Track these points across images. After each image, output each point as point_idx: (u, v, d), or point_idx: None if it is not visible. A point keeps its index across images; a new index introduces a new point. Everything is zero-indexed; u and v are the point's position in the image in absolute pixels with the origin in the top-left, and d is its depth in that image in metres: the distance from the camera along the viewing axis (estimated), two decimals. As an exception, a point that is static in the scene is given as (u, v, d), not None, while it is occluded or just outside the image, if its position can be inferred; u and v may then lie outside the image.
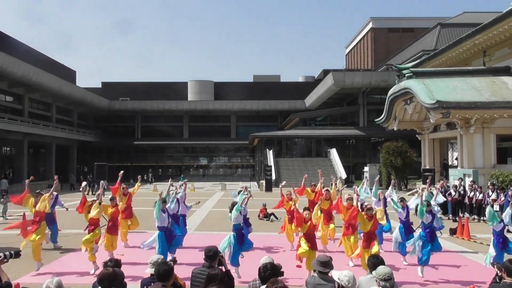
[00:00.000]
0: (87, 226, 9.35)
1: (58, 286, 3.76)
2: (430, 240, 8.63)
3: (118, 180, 12.24)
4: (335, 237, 11.48)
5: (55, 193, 11.59)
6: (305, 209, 8.60)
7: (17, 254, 4.24)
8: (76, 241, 11.95)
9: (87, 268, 8.87)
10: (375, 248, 8.26)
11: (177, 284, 4.48)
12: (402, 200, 10.06)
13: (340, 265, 9.06)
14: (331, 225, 11.23)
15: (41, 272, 8.84)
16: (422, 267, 8.55)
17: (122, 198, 12.09)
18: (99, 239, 9.41)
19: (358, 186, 12.53)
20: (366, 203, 10.37)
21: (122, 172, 12.69)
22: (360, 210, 9.09)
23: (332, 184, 13.07)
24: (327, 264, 4.47)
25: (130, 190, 12.61)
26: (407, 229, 9.69)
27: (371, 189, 12.93)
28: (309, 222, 8.32)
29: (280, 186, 12.42)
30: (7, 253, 4.10)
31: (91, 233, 9.04)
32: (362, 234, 8.88)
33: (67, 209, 13.26)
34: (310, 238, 8.34)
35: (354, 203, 9.40)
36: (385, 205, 11.16)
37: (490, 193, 16.07)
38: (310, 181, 13.68)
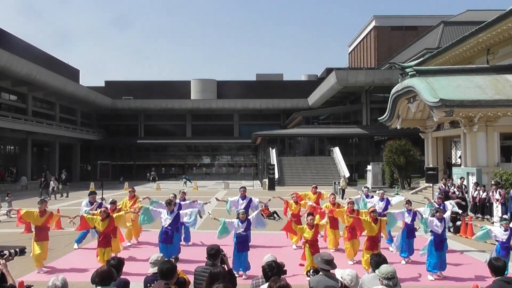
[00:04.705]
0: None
1: (64, 283, 3.79)
2: (440, 248, 8.53)
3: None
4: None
5: (99, 200, 11.86)
6: (308, 214, 8.54)
7: (22, 251, 4.27)
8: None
9: (91, 266, 8.86)
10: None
11: (181, 280, 4.50)
12: (408, 202, 9.97)
13: (340, 264, 9.09)
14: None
15: (46, 270, 8.89)
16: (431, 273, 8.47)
17: (127, 203, 12.08)
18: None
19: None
20: (369, 206, 10.29)
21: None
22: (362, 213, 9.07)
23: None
24: (330, 263, 4.50)
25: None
26: (409, 232, 9.66)
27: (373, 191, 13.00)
28: (313, 228, 8.19)
29: (277, 197, 12.25)
30: (12, 250, 4.13)
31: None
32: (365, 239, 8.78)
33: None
34: (314, 244, 8.24)
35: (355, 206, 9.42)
36: (385, 209, 11.14)
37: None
38: (311, 181, 13.60)
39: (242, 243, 8.39)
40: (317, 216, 10.49)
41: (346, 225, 9.71)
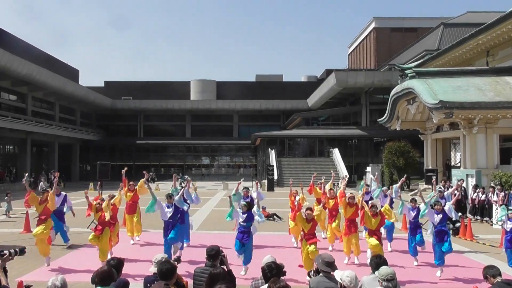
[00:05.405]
0: (96, 226, 9.39)
1: (63, 283, 3.79)
2: (440, 241, 8.65)
3: (123, 177, 12.42)
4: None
5: (63, 193, 12.12)
6: (307, 209, 8.59)
7: (21, 251, 4.25)
8: (79, 239, 12.01)
9: (91, 266, 8.86)
10: (373, 241, 8.51)
11: (180, 284, 4.50)
12: (413, 200, 10.02)
13: (339, 265, 9.12)
14: (334, 224, 11.12)
15: (45, 270, 8.89)
16: (439, 268, 8.60)
17: (127, 194, 12.35)
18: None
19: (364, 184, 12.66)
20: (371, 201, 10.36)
21: (125, 168, 12.89)
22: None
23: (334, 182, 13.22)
24: (331, 265, 4.50)
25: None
26: (414, 229, 9.71)
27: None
28: (311, 222, 8.27)
29: (290, 186, 12.45)
30: (12, 250, 4.12)
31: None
32: (367, 232, 9.04)
33: (74, 214, 12.35)
34: (311, 237, 8.29)
35: (359, 198, 9.53)
36: (391, 202, 11.20)
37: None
38: (315, 181, 13.59)
39: (242, 233, 8.65)
40: (316, 207, 10.73)
41: (346, 217, 9.76)
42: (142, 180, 12.32)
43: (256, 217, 8.85)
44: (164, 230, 9.42)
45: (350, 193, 10.04)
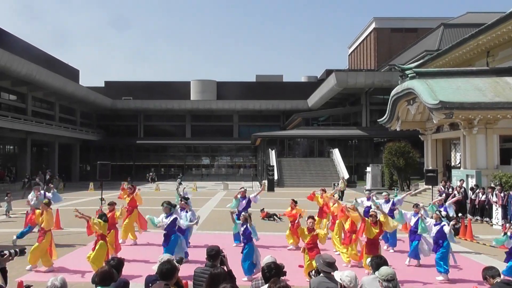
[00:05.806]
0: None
1: (63, 283, 3.79)
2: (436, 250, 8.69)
3: (121, 188, 12.61)
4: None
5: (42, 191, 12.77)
6: (309, 217, 8.46)
7: (21, 251, 4.27)
8: (79, 239, 12.02)
9: (90, 266, 8.85)
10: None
11: (179, 285, 4.49)
12: (415, 206, 9.98)
13: (339, 263, 9.12)
14: (334, 233, 10.89)
15: (45, 270, 8.89)
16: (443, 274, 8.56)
17: (126, 198, 12.41)
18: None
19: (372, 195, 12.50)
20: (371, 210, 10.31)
21: (124, 183, 13.10)
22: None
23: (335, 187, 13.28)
24: (332, 265, 4.50)
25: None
26: (412, 234, 9.69)
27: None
28: (312, 232, 8.15)
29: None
30: (12, 250, 4.13)
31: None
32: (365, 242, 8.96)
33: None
34: (313, 247, 8.15)
35: (360, 210, 9.55)
36: (392, 210, 11.19)
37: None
38: (311, 183, 13.58)
39: (244, 245, 8.67)
40: (319, 223, 10.76)
41: (346, 229, 9.77)
42: (138, 194, 12.58)
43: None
44: (164, 239, 9.30)
45: (351, 205, 9.97)
